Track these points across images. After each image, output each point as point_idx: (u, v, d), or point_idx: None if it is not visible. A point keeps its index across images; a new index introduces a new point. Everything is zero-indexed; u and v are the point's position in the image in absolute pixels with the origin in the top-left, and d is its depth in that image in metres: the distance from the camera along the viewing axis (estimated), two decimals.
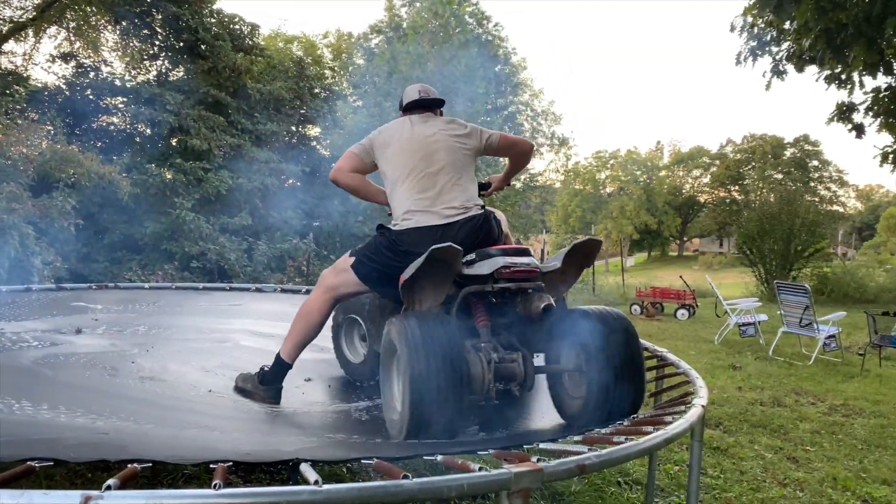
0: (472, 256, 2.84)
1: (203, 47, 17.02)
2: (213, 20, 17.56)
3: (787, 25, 6.13)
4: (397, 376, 2.65)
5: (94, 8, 16.59)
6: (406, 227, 3.00)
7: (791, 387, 7.16)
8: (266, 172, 16.88)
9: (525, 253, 2.86)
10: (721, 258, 48.91)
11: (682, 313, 13.37)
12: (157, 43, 17.71)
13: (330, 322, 3.82)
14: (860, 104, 6.57)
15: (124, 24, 16.78)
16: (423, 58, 17.19)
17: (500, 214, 3.40)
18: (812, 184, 58.96)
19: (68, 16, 16.75)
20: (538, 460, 1.96)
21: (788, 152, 61.74)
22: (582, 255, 2.98)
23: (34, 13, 16.31)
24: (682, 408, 2.79)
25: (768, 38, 6.82)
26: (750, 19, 6.76)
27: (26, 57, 17.51)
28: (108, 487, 1.53)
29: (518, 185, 26.01)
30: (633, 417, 2.86)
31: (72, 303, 5.36)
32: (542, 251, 16.41)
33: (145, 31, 17.19)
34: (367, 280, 3.14)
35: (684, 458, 4.68)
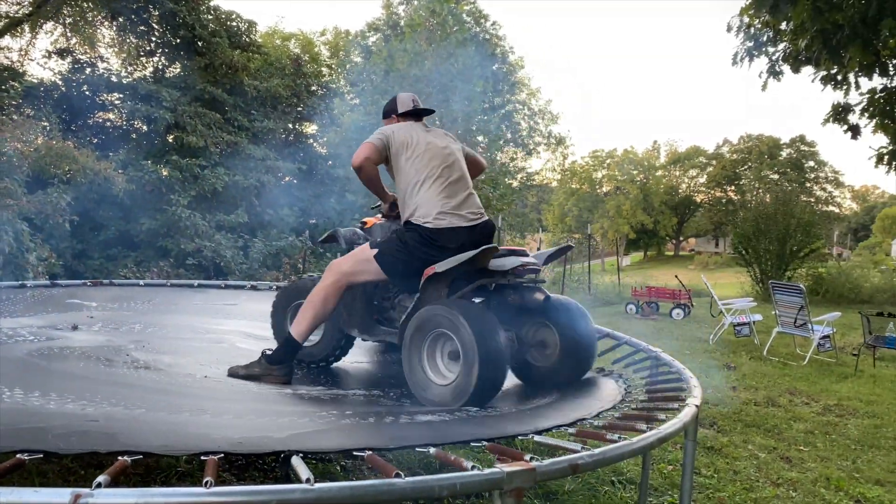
0: None
1: (200, 44, 16.99)
2: (209, 17, 17.52)
3: (783, 26, 6.14)
4: (443, 353, 3.18)
5: (90, 4, 16.54)
6: (442, 226, 3.33)
7: (785, 387, 7.18)
8: (262, 170, 16.85)
9: (526, 254, 3.47)
10: (717, 258, 49.02)
11: (678, 313, 13.39)
12: (153, 39, 17.66)
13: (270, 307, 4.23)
14: (856, 105, 6.57)
15: (121, 20, 16.74)
16: (420, 56, 17.17)
17: None
18: (808, 184, 59.12)
19: (65, 11, 16.70)
20: (531, 459, 1.96)
21: (785, 153, 61.88)
22: (556, 257, 3.74)
23: (30, 8, 16.24)
24: (676, 405, 2.80)
25: (765, 38, 6.82)
26: (746, 20, 6.76)
27: (22, 52, 17.45)
28: (99, 485, 1.53)
29: (515, 183, 26.04)
30: (624, 409, 2.88)
31: (67, 300, 5.34)
32: (538, 250, 16.40)
33: (142, 28, 17.15)
34: (390, 270, 3.43)
35: (678, 458, 4.69)
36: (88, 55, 17.12)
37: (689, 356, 8.68)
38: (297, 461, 1.89)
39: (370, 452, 2.06)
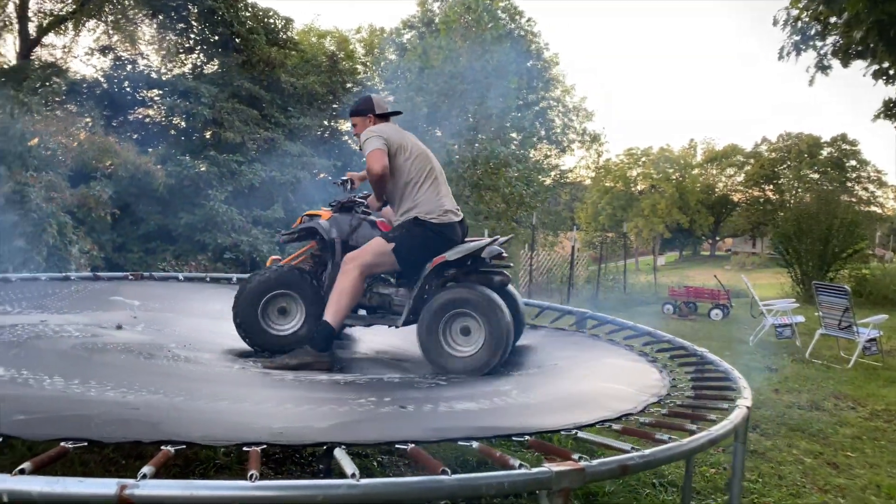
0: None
1: (238, 41, 17.15)
2: (247, 14, 17.68)
3: (835, 18, 5.95)
4: (455, 329, 3.74)
5: (131, 1, 16.82)
6: (448, 221, 3.84)
7: (830, 390, 6.98)
8: (298, 166, 16.95)
9: (496, 241, 4.03)
10: (754, 258, 48.11)
11: (717, 313, 13.15)
12: (192, 36, 17.88)
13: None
14: None
15: (161, 17, 16.98)
16: (454, 53, 17.13)
17: None
18: (849, 184, 57.63)
19: (107, 9, 17.01)
20: (579, 458, 1.90)
21: (825, 152, 60.40)
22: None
23: (74, 7, 16.58)
24: (725, 405, 2.71)
25: (812, 32, 6.63)
26: (794, 13, 6.57)
27: (66, 50, 17.85)
28: (144, 476, 1.52)
29: (548, 181, 25.86)
30: (670, 405, 2.79)
31: (111, 296, 5.36)
32: (573, 248, 16.25)
33: (181, 25, 17.37)
34: (404, 260, 3.79)
35: (720, 461, 4.58)
36: (129, 52, 17.42)
37: (729, 357, 8.46)
38: (340, 454, 1.86)
39: (413, 446, 2.02)
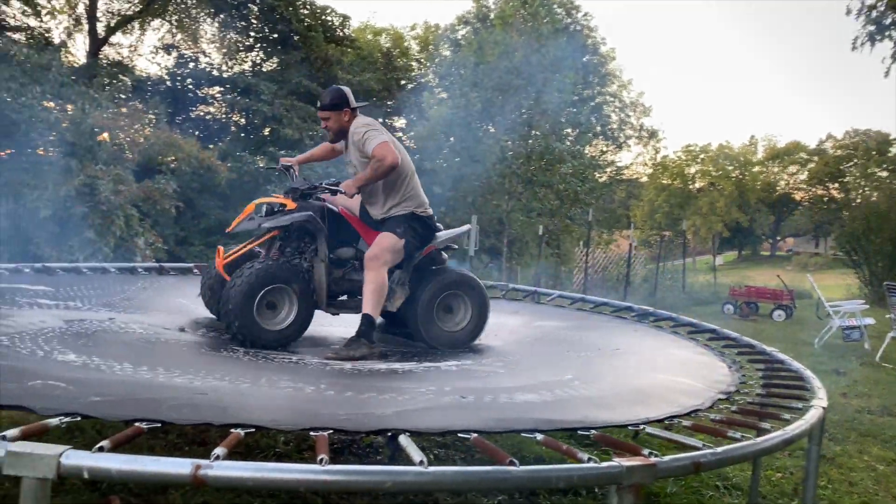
0: None
1: (296, 38, 17.42)
2: (305, 11, 17.94)
3: None
4: (449, 307, 4.19)
5: (194, 1, 17.26)
6: (431, 213, 4.19)
7: None
8: None
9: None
10: (817, 258, 46.52)
11: (779, 314, 12.75)
12: (252, 34, 18.25)
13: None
14: None
15: (222, 15, 17.37)
16: (510, 48, 17.00)
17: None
18: None
19: (171, 8, 17.49)
20: (650, 454, 1.85)
21: (895, 149, 57.85)
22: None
23: (140, 6, 17.10)
24: (800, 405, 2.60)
25: (889, 21, 6.34)
26: (870, 1, 6.30)
27: (132, 48, 18.44)
28: (217, 457, 1.53)
29: (604, 178, 25.50)
30: (741, 403, 2.70)
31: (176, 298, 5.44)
32: (631, 246, 15.98)
33: (242, 23, 17.74)
34: (409, 252, 4.06)
35: (786, 465, 4.42)
36: (192, 50, 17.89)
37: (794, 359, 8.21)
38: (405, 441, 1.85)
39: (476, 435, 2.00)
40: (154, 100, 13.79)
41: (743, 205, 55.91)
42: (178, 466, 1.45)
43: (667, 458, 1.83)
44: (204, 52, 18.20)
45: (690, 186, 58.60)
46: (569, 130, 20.54)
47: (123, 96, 13.96)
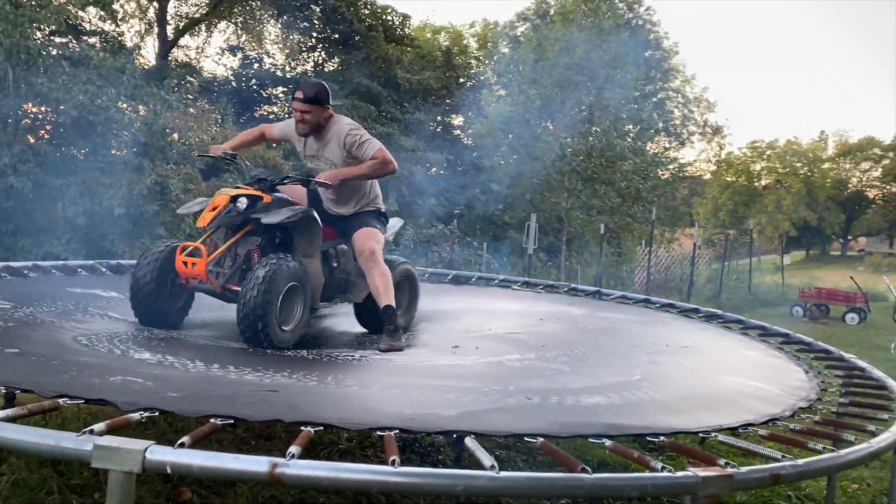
0: None
1: (357, 38, 17.65)
2: (366, 11, 18.15)
3: None
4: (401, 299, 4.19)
5: (259, 3, 17.67)
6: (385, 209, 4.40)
7: None
8: (412, 160, 17.26)
9: None
10: (891, 259, 44.53)
11: (852, 317, 12.27)
12: (314, 35, 18.57)
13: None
14: None
15: (286, 17, 17.74)
16: (570, 44, 16.82)
17: None
18: None
19: (236, 11, 17.96)
20: (726, 464, 1.79)
21: None
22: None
23: (207, 9, 17.62)
24: (885, 416, 2.48)
25: None
26: None
27: (199, 50, 19.02)
28: (292, 455, 1.56)
29: (666, 175, 24.97)
30: (822, 412, 2.59)
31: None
32: (695, 245, 15.60)
33: (304, 24, 18.07)
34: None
35: (863, 476, 4.24)
36: (256, 51, 18.32)
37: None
38: (472, 444, 1.84)
39: (542, 440, 1.97)
40: (221, 100, 14.17)
41: (811, 203, 53.92)
42: (256, 465, 1.48)
43: (744, 469, 1.77)
44: (268, 53, 18.65)
45: (756, 184, 56.84)
46: (630, 127, 20.20)
47: (191, 97, 14.39)
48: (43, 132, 10.35)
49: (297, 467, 1.49)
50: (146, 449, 1.47)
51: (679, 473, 1.70)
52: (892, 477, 2.48)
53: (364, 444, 3.90)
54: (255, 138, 4.38)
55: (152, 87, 10.17)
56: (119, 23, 13.99)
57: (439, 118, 20.62)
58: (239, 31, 18.63)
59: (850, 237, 62.58)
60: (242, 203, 3.62)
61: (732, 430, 2.28)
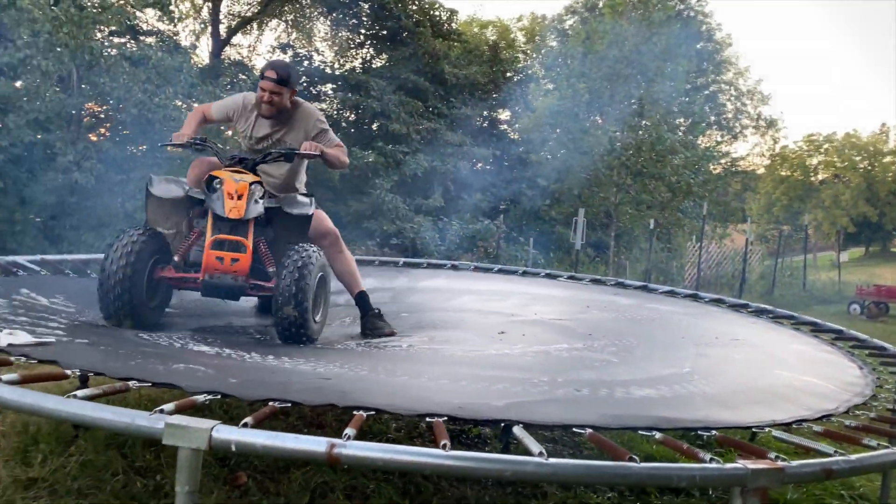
0: None
1: (405, 34, 17.76)
2: (414, 7, 18.25)
3: None
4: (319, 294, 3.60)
5: (309, 0, 17.94)
6: None
7: None
8: (458, 156, 17.31)
9: None
10: None
11: None
12: (362, 32, 18.76)
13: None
14: None
15: (335, 14, 17.96)
16: (620, 36, 16.60)
17: None
18: None
19: (287, 9, 18.27)
20: (776, 458, 1.79)
21: None
22: None
23: (258, 7, 17.97)
24: None
25: None
26: None
27: (251, 48, 19.41)
28: (348, 437, 1.62)
29: (718, 169, 24.46)
30: (878, 408, 2.54)
31: None
32: (747, 241, 15.27)
33: (353, 21, 18.28)
34: None
35: None
36: (306, 49, 18.60)
37: None
38: (521, 432, 1.87)
39: (591, 431, 1.99)
40: None
41: (871, 198, 52.05)
42: (314, 444, 1.55)
43: (795, 462, 1.77)
44: (317, 50, 18.93)
45: (812, 178, 55.12)
46: (681, 120, 19.83)
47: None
48: (104, 129, 10.75)
49: (354, 448, 1.55)
50: (213, 428, 1.55)
51: (728, 465, 1.71)
52: None
53: (412, 433, 3.97)
54: (199, 122, 4.00)
55: (207, 85, 10.46)
56: (175, 23, 14.39)
57: (486, 113, 20.60)
58: (289, 29, 18.96)
59: None
60: (260, 190, 3.46)
61: (786, 426, 2.27)
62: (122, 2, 10.19)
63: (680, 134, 18.35)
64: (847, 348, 3.75)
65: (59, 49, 8.59)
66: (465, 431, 4.00)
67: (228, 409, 3.63)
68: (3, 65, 8.90)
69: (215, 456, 3.11)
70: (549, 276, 6.33)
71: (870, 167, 53.96)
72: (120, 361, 2.46)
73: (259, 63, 23.14)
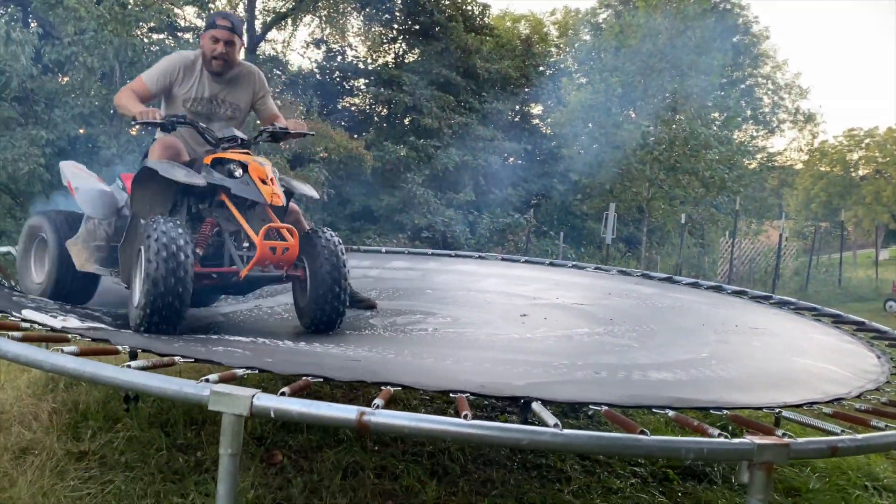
0: None
1: (437, 29, 17.87)
2: (447, 2, 18.34)
3: None
4: None
5: None
6: None
7: None
8: (490, 150, 17.38)
9: None
10: None
11: None
12: (395, 27, 18.91)
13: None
14: None
15: (368, 10, 18.14)
16: (653, 30, 16.48)
17: None
18: None
19: (321, 4, 18.48)
20: (783, 434, 1.87)
21: None
22: None
23: (292, 3, 18.21)
24: None
25: None
26: None
27: (285, 44, 19.68)
28: (377, 406, 1.75)
29: (753, 165, 24.13)
30: (891, 393, 2.59)
31: None
32: (781, 237, 15.07)
33: (386, 17, 18.43)
34: None
35: None
36: (339, 44, 18.82)
37: None
38: (539, 407, 1.98)
39: (607, 408, 2.07)
40: (307, 93, 14.69)
41: None
42: (346, 412, 1.68)
43: (801, 439, 1.85)
44: (350, 46, 19.12)
45: (852, 174, 53.86)
46: (716, 115, 19.60)
47: (278, 90, 14.96)
48: None
49: (382, 416, 1.68)
50: (254, 396, 1.69)
51: (735, 440, 1.79)
52: None
53: (435, 411, 4.11)
54: (139, 103, 3.44)
55: None
56: None
57: (517, 107, 20.62)
58: (323, 25, 19.17)
59: None
60: (275, 171, 3.24)
61: (796, 408, 2.34)
62: None
63: (714, 129, 18.16)
64: (867, 339, 3.78)
65: (103, 46, 8.88)
66: (489, 417, 4.12)
67: (265, 387, 3.81)
68: (51, 61, 9.25)
69: (252, 435, 3.29)
70: (575, 266, 6.40)
71: None
72: (162, 343, 2.62)
73: (293, 59, 23.34)
